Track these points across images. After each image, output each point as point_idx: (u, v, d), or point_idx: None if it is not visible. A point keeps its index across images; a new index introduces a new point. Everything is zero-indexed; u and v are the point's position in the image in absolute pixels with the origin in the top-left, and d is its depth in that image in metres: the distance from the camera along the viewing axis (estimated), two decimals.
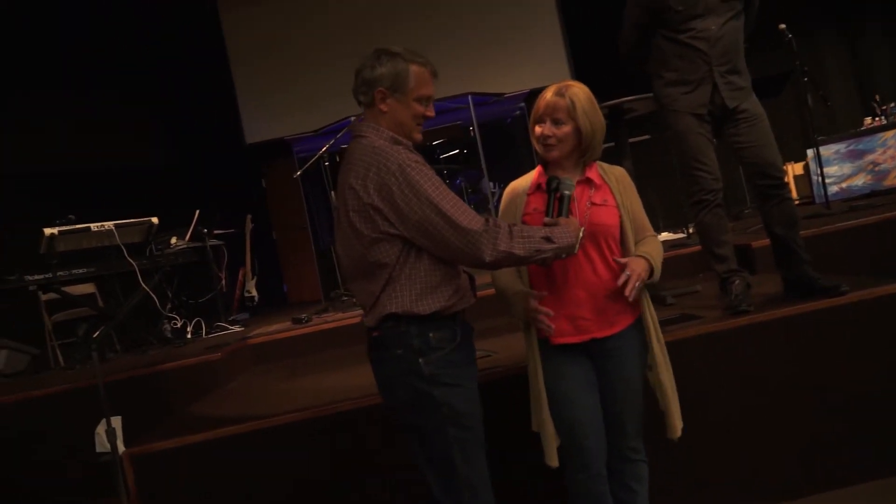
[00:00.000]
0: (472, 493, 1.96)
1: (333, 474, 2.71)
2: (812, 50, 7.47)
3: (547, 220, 2.07)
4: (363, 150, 1.95)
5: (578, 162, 2.21)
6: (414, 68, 1.98)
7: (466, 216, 1.88)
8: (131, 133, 7.26)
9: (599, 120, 2.17)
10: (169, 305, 5.17)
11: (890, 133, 5.80)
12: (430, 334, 1.95)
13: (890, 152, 5.81)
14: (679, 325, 2.89)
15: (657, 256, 2.16)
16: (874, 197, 5.44)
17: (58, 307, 5.04)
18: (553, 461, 2.18)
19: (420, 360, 1.93)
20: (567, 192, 2.09)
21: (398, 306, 1.93)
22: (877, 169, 5.83)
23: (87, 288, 5.19)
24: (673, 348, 2.27)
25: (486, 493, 1.99)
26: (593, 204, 2.17)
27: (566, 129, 2.14)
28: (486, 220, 1.91)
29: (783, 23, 4.70)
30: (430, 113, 2.04)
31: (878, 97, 6.75)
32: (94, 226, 4.68)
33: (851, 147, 5.92)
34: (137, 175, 6.98)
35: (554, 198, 2.10)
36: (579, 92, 2.15)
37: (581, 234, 2.04)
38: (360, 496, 2.71)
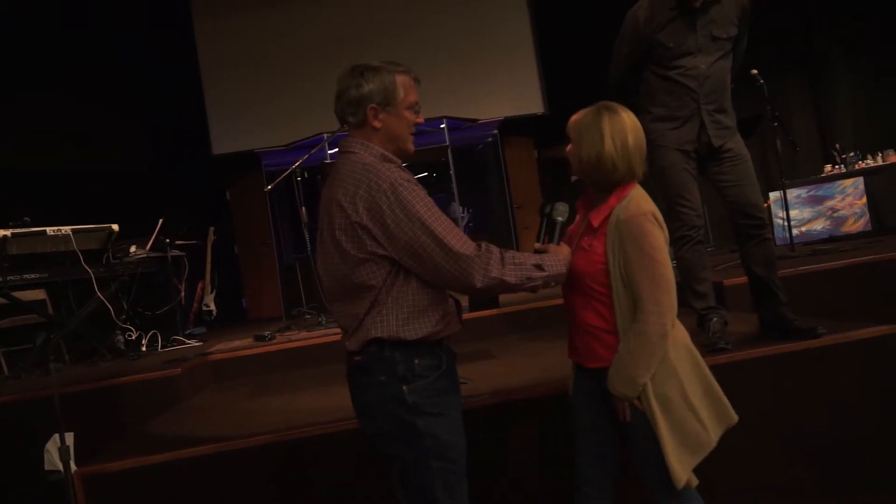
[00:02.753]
0: None
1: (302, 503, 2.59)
2: (779, 96, 7.70)
3: (537, 245, 2.03)
4: (352, 167, 1.89)
5: (604, 189, 2.05)
6: (400, 78, 1.93)
7: (458, 240, 1.83)
8: (93, 136, 7.03)
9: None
10: (123, 316, 4.97)
11: (849, 181, 5.99)
12: (416, 361, 1.87)
13: (848, 199, 5.98)
14: None
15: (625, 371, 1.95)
16: (832, 242, 5.58)
17: (5, 312, 4.79)
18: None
19: (404, 387, 1.86)
20: (560, 219, 2.05)
21: (383, 331, 1.86)
22: (835, 215, 6.00)
23: (38, 294, 4.95)
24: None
25: None
26: (579, 248, 2.05)
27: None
28: (479, 245, 1.86)
29: (754, 68, 4.81)
30: (421, 119, 2.00)
31: (838, 146, 6.98)
32: (50, 230, 4.50)
33: (812, 192, 6.09)
34: (97, 179, 6.75)
35: (546, 223, 2.06)
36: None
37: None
38: None
